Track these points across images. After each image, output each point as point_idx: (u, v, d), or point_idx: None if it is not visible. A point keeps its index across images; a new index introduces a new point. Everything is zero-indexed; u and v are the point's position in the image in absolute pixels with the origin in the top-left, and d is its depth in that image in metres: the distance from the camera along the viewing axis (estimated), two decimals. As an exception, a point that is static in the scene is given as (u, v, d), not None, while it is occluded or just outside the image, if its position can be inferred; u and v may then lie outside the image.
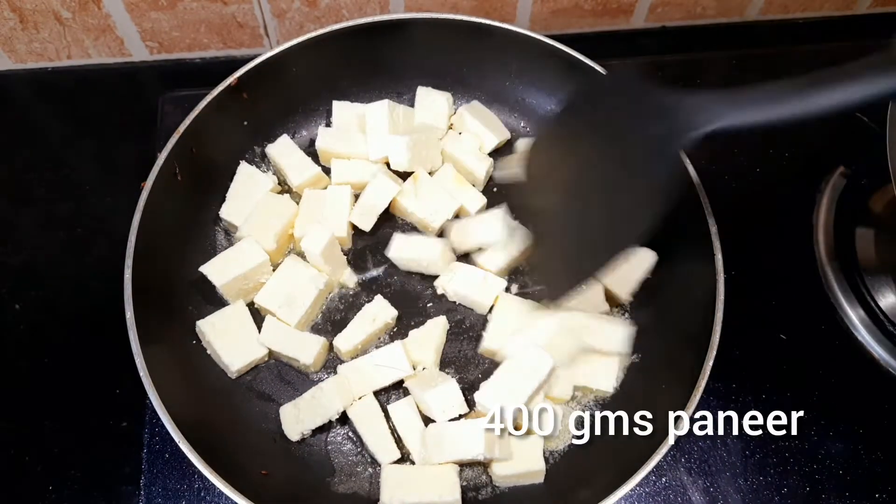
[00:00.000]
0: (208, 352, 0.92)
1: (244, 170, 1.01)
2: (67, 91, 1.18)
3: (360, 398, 0.89)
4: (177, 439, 0.75)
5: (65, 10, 1.08)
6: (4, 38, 1.12)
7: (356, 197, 1.01)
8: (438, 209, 1.00)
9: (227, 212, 0.98)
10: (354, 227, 1.00)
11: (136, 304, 0.82)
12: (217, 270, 0.92)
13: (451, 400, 0.88)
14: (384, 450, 0.86)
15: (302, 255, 0.96)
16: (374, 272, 1.00)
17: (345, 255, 0.99)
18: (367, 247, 1.02)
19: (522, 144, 1.08)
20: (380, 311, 0.94)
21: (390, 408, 0.89)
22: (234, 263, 0.92)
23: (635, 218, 0.72)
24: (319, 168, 1.03)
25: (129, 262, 0.84)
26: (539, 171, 0.80)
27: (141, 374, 0.78)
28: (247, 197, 0.99)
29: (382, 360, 0.90)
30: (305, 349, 0.91)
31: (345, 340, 0.92)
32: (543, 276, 0.89)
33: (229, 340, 0.90)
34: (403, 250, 0.98)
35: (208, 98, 0.95)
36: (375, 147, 1.02)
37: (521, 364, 0.87)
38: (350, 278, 0.99)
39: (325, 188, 1.02)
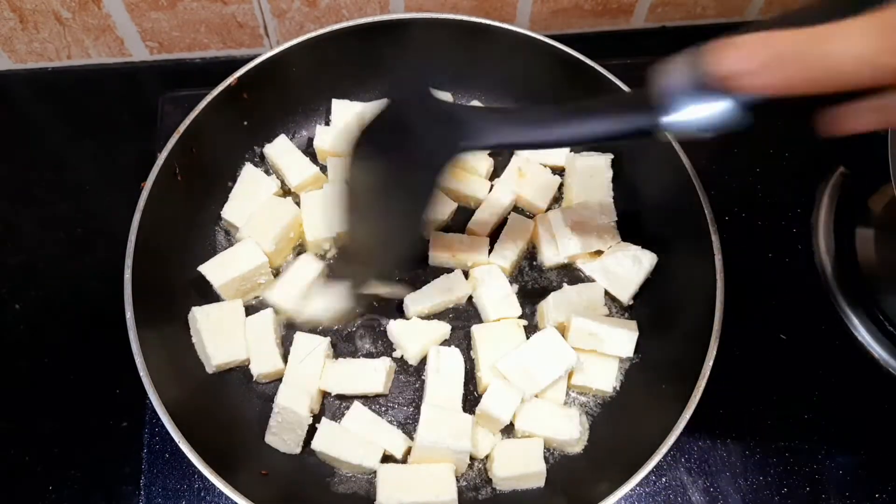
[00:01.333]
0: (193, 340, 0.91)
1: (248, 171, 1.01)
2: (67, 91, 1.18)
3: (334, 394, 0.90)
4: (177, 439, 0.76)
5: (65, 10, 1.08)
6: (4, 38, 1.12)
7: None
8: None
9: (229, 212, 0.98)
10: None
11: (136, 304, 0.82)
12: (215, 270, 0.92)
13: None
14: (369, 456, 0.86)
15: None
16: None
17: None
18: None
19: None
20: (455, 285, 0.96)
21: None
22: (233, 264, 0.92)
23: (410, 221, 0.75)
24: (318, 168, 1.03)
25: (129, 262, 0.84)
26: (359, 165, 0.80)
27: (141, 373, 0.78)
28: (250, 199, 0.99)
29: (362, 370, 0.90)
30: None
31: (414, 301, 0.94)
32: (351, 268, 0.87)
33: (218, 334, 0.90)
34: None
35: (208, 98, 0.95)
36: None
37: (544, 350, 0.88)
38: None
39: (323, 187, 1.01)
